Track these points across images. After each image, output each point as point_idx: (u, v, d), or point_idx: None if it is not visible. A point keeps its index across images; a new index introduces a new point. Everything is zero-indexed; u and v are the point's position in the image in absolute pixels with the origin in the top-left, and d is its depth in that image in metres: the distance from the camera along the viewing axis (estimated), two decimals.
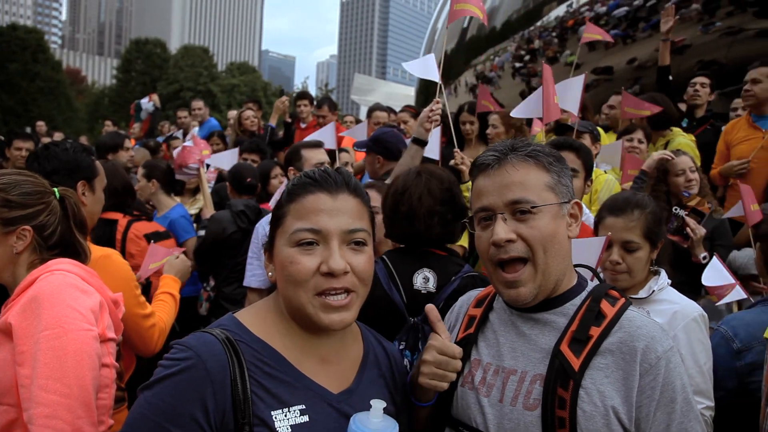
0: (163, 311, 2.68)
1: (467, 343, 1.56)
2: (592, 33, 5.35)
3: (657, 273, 2.46)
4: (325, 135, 4.70)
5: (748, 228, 3.47)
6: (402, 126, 6.46)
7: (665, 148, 4.70)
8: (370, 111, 7.33)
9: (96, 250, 2.37)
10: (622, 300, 1.44)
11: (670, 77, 5.83)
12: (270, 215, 1.45)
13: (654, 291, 2.37)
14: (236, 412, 1.18)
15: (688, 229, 3.43)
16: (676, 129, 5.07)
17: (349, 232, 1.30)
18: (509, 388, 1.43)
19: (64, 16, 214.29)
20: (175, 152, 5.81)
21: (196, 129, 8.99)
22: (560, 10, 10.22)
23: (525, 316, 1.49)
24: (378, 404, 1.24)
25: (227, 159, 5.51)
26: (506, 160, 1.44)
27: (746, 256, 3.57)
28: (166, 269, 3.00)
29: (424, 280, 2.40)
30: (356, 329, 1.50)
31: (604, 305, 1.41)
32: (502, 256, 1.41)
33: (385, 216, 2.55)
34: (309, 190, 1.32)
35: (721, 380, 2.28)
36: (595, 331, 1.37)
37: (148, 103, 9.66)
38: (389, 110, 7.79)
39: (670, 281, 2.44)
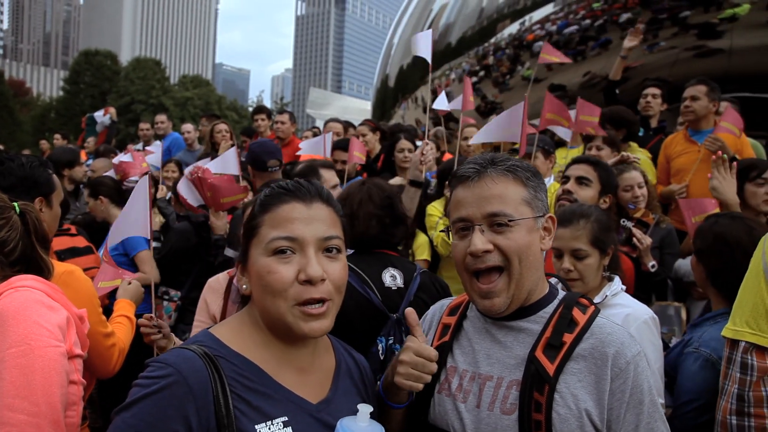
0: (121, 333, 2.64)
1: (442, 351, 1.59)
2: (549, 54, 5.40)
3: (611, 279, 2.56)
4: (319, 147, 4.79)
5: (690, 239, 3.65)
6: (360, 139, 6.47)
7: None
8: (326, 124, 7.38)
9: (59, 266, 2.31)
10: (592, 307, 1.51)
11: (617, 91, 6.09)
12: None
13: (607, 296, 2.47)
14: (220, 428, 1.17)
15: (635, 240, 3.57)
16: (633, 144, 5.22)
17: (325, 240, 1.32)
18: (486, 394, 1.48)
19: (5, 25, 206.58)
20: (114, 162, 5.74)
21: (157, 142, 8.84)
22: (513, 28, 10.54)
23: (499, 324, 1.54)
24: (365, 408, 1.26)
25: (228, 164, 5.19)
26: (486, 173, 1.49)
27: (689, 263, 3.73)
28: (119, 294, 2.96)
29: (392, 277, 2.64)
30: (326, 340, 1.52)
31: (576, 313, 1.48)
32: (478, 265, 1.47)
33: None
34: (283, 199, 1.33)
35: (712, 402, 2.20)
36: (568, 338, 1.43)
37: (104, 117, 9.43)
38: (347, 124, 7.85)
39: (624, 287, 2.55)
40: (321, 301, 1.29)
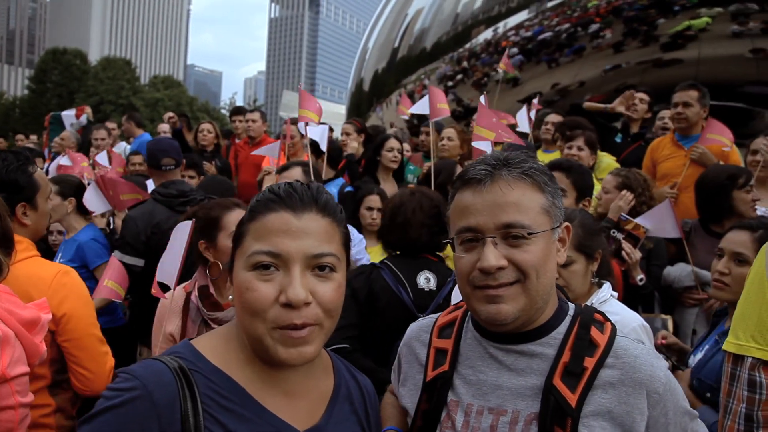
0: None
1: (444, 384, 1.38)
2: (504, 63, 6.00)
3: (601, 285, 2.45)
4: (274, 150, 4.73)
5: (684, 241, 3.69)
6: (343, 137, 6.35)
7: (592, 168, 4.81)
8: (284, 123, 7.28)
9: (54, 267, 2.25)
10: (609, 324, 1.35)
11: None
12: None
13: (593, 303, 2.32)
14: None
15: (624, 253, 3.54)
16: (601, 152, 5.19)
17: (314, 257, 1.15)
18: None
19: None
20: (51, 168, 5.60)
21: (123, 144, 8.63)
22: (488, 34, 10.64)
23: (506, 348, 1.33)
24: None
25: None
26: (500, 176, 1.29)
27: (678, 269, 3.75)
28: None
29: (426, 280, 2.86)
30: (327, 361, 1.37)
31: (594, 333, 1.31)
32: (489, 282, 1.26)
33: (383, 225, 3.12)
34: (271, 207, 1.17)
35: None
36: (589, 362, 1.26)
37: (80, 117, 9.11)
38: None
39: (616, 294, 2.45)
40: (304, 326, 1.14)
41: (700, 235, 3.82)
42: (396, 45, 13.77)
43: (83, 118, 9.10)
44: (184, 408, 1.08)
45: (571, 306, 1.41)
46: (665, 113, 5.81)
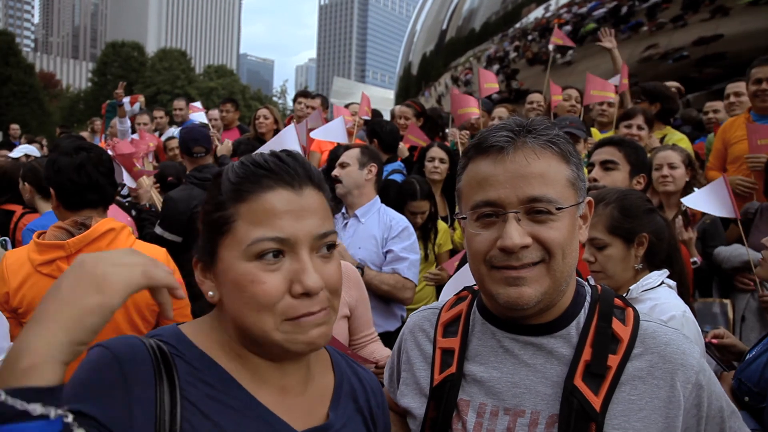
0: None
1: (452, 386, 1.25)
2: (558, 38, 5.79)
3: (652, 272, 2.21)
4: (337, 129, 4.80)
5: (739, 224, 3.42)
6: (401, 120, 6.10)
7: (661, 143, 4.53)
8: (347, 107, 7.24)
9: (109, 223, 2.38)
10: (630, 311, 1.22)
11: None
12: None
13: (630, 290, 2.15)
14: None
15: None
16: (669, 129, 4.90)
17: (320, 237, 1.03)
18: None
19: (36, 20, 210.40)
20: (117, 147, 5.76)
21: (172, 129, 8.80)
22: (538, 12, 10.29)
23: (523, 340, 1.20)
24: None
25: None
26: (524, 143, 1.14)
27: (729, 249, 3.50)
28: None
29: None
30: (324, 354, 1.24)
31: (616, 325, 1.18)
32: (512, 263, 1.13)
33: None
34: (265, 185, 1.01)
35: None
36: (613, 360, 1.14)
37: (133, 105, 9.36)
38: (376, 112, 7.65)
39: (673, 283, 2.21)
40: (320, 311, 1.03)
41: (766, 218, 3.54)
42: (444, 27, 13.53)
43: (136, 106, 9.33)
44: (160, 392, 0.95)
45: (588, 288, 1.27)
46: (732, 87, 5.38)
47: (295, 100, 7.83)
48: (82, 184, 2.36)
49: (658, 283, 2.17)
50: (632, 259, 2.20)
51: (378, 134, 5.19)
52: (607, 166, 2.96)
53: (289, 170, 1.03)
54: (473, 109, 5.47)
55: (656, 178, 3.55)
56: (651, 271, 2.23)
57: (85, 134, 10.71)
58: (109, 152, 5.11)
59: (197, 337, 1.07)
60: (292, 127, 4.53)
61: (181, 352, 1.02)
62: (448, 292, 2.23)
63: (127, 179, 4.82)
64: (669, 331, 1.19)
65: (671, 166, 3.57)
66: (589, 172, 3.01)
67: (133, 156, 5.01)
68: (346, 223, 3.58)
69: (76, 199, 2.37)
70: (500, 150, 1.14)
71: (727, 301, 3.12)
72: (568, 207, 1.14)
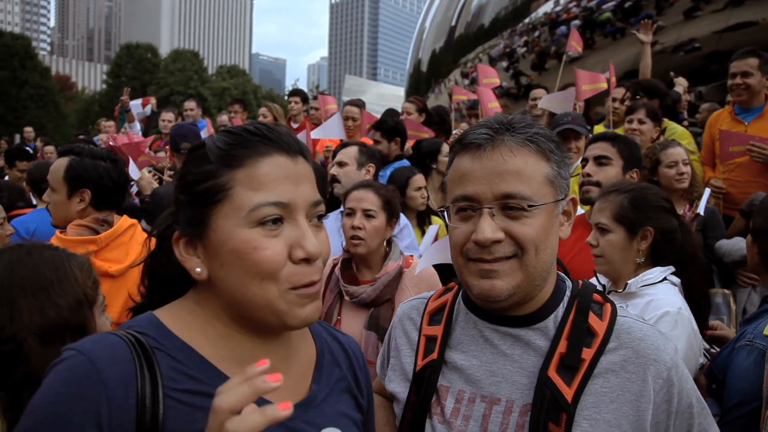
0: None
1: (433, 372, 1.29)
2: (573, 40, 5.78)
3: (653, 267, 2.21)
4: (334, 126, 4.82)
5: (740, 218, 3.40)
6: (403, 116, 6.04)
7: (661, 137, 4.47)
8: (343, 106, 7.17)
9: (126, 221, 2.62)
10: (608, 306, 1.25)
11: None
12: None
13: (628, 284, 2.15)
14: None
15: None
16: (669, 122, 4.86)
17: (315, 205, 1.04)
18: (493, 422, 1.20)
19: (52, 23, 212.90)
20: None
21: None
22: (548, 7, 10.22)
23: (503, 331, 1.25)
24: None
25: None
26: (501, 141, 1.17)
27: (731, 243, 3.48)
28: None
29: None
30: None
31: (592, 320, 1.21)
32: (484, 256, 1.17)
33: None
34: (261, 150, 1.00)
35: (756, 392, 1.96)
36: (587, 354, 1.17)
37: (144, 108, 9.43)
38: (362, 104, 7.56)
39: (677, 280, 2.20)
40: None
41: None
42: (453, 23, 13.49)
43: (147, 108, 9.41)
44: (142, 392, 0.91)
45: (569, 284, 1.31)
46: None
47: (288, 100, 7.94)
48: (121, 187, 2.65)
49: (660, 278, 2.16)
50: (634, 251, 2.21)
51: (400, 132, 4.88)
52: (600, 161, 3.00)
53: (282, 137, 1.03)
54: (494, 80, 5.85)
55: (672, 176, 3.56)
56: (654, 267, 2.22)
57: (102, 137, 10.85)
58: (110, 143, 5.38)
59: (176, 325, 1.03)
60: (337, 116, 4.80)
61: (161, 344, 0.99)
62: (426, 261, 2.39)
63: (132, 170, 4.87)
64: (645, 327, 1.22)
65: (684, 163, 3.59)
66: (584, 167, 3.07)
67: (141, 144, 5.18)
68: None
69: (109, 200, 2.62)
70: (478, 147, 1.19)
71: (729, 292, 3.11)
72: (542, 204, 1.17)
